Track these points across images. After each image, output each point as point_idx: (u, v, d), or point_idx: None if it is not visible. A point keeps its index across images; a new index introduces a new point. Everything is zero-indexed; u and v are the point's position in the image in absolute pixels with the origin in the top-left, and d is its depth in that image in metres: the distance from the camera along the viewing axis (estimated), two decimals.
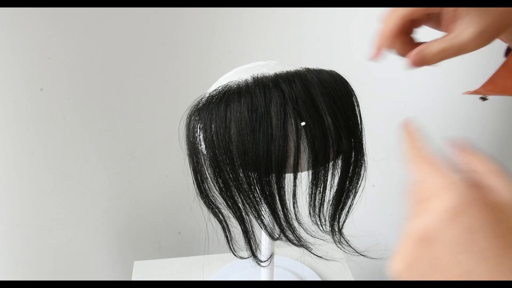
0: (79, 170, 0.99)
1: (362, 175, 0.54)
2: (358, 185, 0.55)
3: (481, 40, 0.41)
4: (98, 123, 0.96)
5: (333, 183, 0.53)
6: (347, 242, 0.59)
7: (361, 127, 0.52)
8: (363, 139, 0.53)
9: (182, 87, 0.96)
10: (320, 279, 0.81)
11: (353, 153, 0.52)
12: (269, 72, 0.50)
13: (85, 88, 0.92)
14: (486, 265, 0.30)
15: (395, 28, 0.43)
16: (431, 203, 0.32)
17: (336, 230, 0.57)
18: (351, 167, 0.53)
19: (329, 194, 0.54)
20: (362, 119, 0.52)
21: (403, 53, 0.45)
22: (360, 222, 0.57)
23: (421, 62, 0.43)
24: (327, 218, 0.56)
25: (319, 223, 0.56)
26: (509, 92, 0.48)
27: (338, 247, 0.59)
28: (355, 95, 0.51)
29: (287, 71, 0.50)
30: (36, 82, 0.88)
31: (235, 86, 0.49)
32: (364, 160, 0.54)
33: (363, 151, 0.53)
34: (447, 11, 0.42)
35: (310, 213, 0.55)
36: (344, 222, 0.57)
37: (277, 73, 0.50)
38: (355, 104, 0.51)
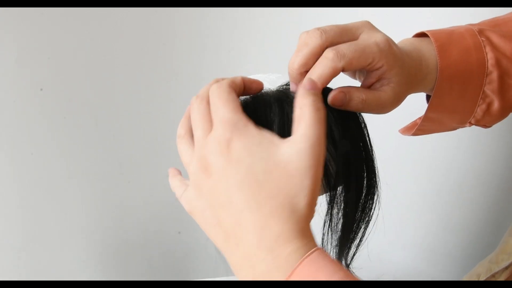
0: (78, 170, 0.99)
1: (375, 201, 0.47)
2: (371, 213, 0.47)
3: (397, 104, 0.45)
4: (98, 123, 0.96)
5: (341, 208, 0.46)
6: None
7: (372, 151, 0.47)
8: (375, 162, 0.47)
9: (182, 87, 0.96)
10: None
11: (365, 177, 0.46)
12: (270, 87, 0.45)
13: (85, 88, 0.92)
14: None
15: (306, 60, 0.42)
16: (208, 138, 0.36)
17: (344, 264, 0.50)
18: (364, 193, 0.46)
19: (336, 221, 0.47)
20: (371, 140, 0.47)
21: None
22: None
23: (341, 102, 0.42)
24: (330, 248, 0.49)
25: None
26: (436, 132, 0.54)
27: None
28: (361, 115, 0.46)
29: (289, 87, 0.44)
30: (36, 82, 0.88)
31: None
32: (377, 188, 0.47)
33: (376, 177, 0.46)
34: (376, 68, 0.42)
35: None
36: (353, 256, 0.50)
37: (280, 89, 0.44)
38: (364, 127, 0.46)
